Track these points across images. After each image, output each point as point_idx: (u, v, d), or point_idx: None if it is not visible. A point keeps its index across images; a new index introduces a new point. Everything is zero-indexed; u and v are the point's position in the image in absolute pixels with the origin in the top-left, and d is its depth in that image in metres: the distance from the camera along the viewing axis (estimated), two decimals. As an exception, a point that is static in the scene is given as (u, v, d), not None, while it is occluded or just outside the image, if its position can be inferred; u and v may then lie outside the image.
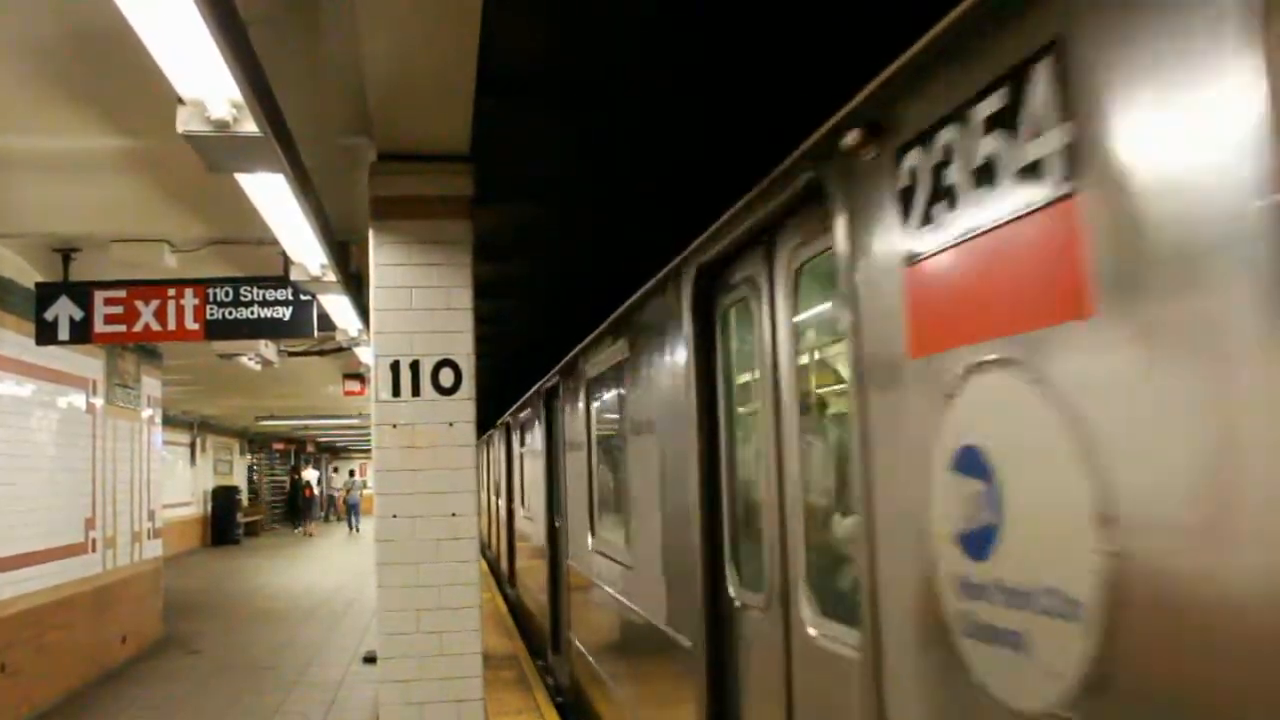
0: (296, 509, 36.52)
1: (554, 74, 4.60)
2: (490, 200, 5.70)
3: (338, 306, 8.27)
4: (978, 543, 1.84)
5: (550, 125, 5.27)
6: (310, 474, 39.95)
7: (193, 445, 26.40)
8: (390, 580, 5.16)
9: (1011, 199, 1.73)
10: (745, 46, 4.29)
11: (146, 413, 12.41)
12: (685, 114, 5.08)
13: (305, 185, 5.04)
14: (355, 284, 7.48)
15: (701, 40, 4.28)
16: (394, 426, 5.21)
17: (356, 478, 40.47)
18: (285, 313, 7.89)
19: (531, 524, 10.95)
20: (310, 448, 44.66)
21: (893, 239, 2.19)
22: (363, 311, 7.90)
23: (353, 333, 9.49)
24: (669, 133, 5.35)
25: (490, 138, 5.11)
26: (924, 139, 2.03)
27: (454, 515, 5.20)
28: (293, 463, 40.32)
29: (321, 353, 11.87)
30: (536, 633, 10.85)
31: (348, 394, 16.62)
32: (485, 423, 17.97)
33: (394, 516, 5.17)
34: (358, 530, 34.35)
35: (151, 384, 12.64)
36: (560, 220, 7.18)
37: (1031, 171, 1.66)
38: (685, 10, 4.02)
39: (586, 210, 6.93)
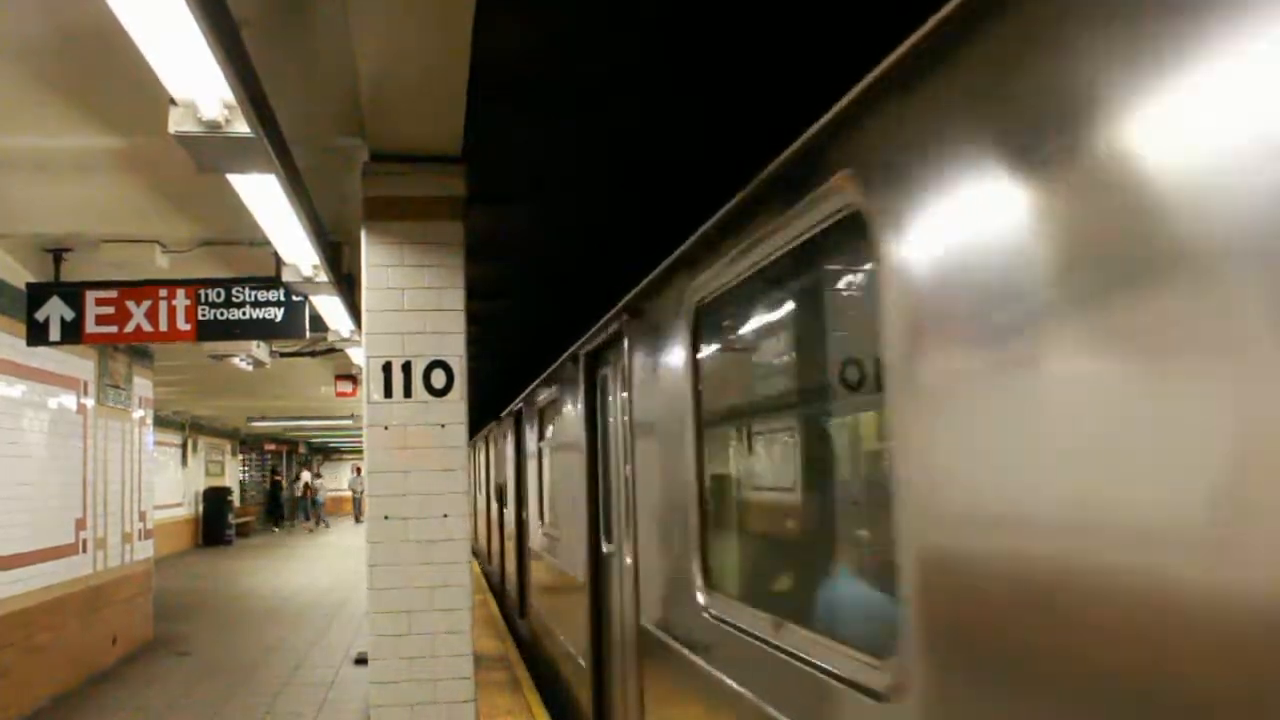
0: (279, 509, 37.89)
1: (547, 75, 4.61)
2: (484, 201, 5.71)
3: (330, 307, 8.26)
4: None
5: (544, 126, 5.28)
6: (306, 475, 40.80)
7: (184, 446, 26.31)
8: (381, 582, 5.15)
9: None
10: (744, 44, 4.30)
11: (138, 414, 12.37)
12: (682, 113, 5.10)
13: (297, 186, 5.03)
14: (347, 285, 7.48)
15: (698, 39, 4.29)
16: (385, 428, 5.21)
17: (323, 480, 41.93)
18: (277, 313, 7.87)
19: (555, 544, 7.96)
20: (302, 449, 44.67)
21: None
22: (355, 312, 7.89)
23: (345, 334, 9.47)
24: (665, 132, 5.36)
25: (483, 139, 5.11)
26: None
27: (445, 517, 5.20)
28: (270, 464, 40.47)
29: (313, 354, 11.85)
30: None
31: (340, 395, 16.60)
32: (484, 417, 17.31)
33: (385, 518, 5.17)
34: (317, 526, 37.91)
35: (143, 385, 12.60)
36: (557, 220, 7.19)
37: None
38: (682, 9, 4.02)
39: (583, 210, 6.94)
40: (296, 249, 6.55)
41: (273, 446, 39.46)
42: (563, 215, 7.06)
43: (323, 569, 22.04)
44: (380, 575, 5.15)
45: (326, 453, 50.95)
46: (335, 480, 50.72)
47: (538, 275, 8.90)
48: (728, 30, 4.18)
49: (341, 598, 16.39)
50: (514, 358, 12.69)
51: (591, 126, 5.26)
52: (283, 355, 11.84)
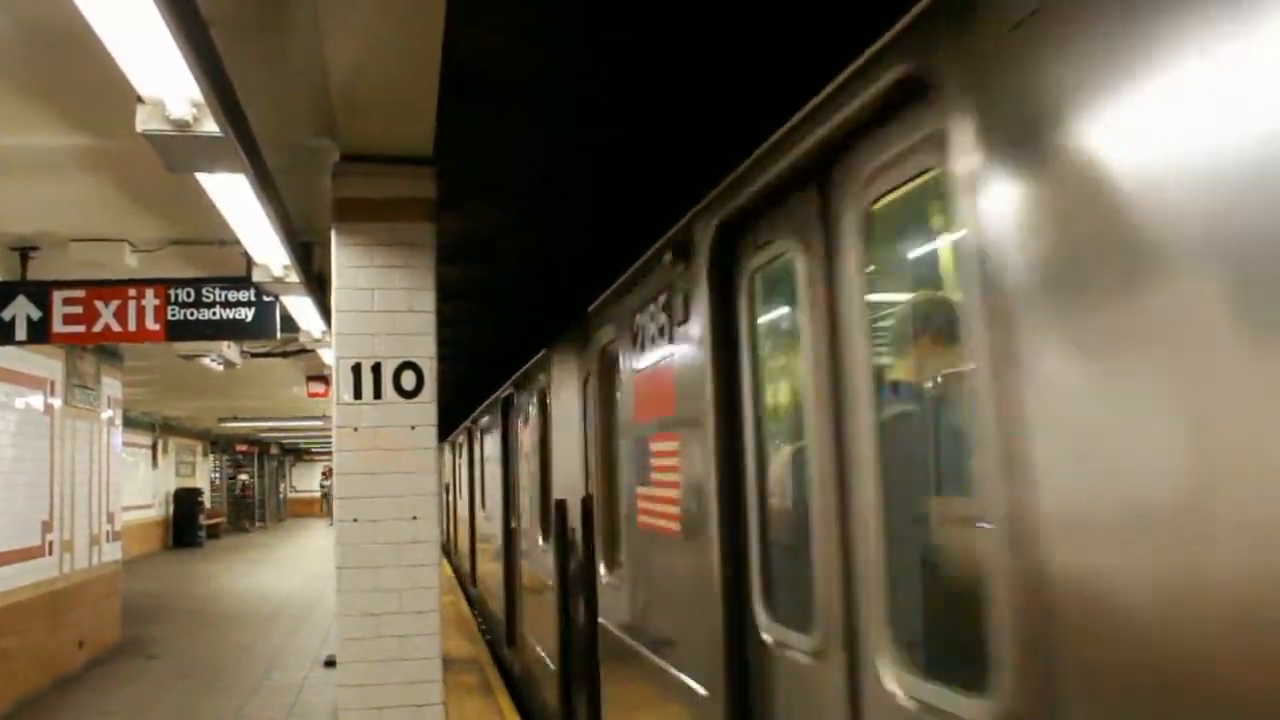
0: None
1: (517, 77, 4.60)
2: (455, 203, 5.69)
3: (301, 308, 8.21)
4: None
5: (517, 126, 5.27)
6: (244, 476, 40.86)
7: (154, 447, 26.07)
8: (350, 584, 5.12)
9: None
10: (716, 47, 4.31)
11: (106, 414, 12.25)
12: (650, 116, 5.10)
13: (267, 186, 5.00)
14: (318, 285, 7.43)
15: (668, 42, 4.30)
16: (355, 430, 5.18)
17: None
18: (248, 314, 7.81)
19: None
20: (274, 449, 44.36)
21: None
22: (326, 313, 7.85)
23: (316, 334, 9.42)
24: (639, 132, 5.36)
25: (454, 139, 5.10)
26: None
27: (415, 519, 5.18)
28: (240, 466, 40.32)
29: (284, 354, 11.77)
30: None
31: (312, 395, 16.50)
32: (484, 395, 14.59)
33: (354, 520, 5.14)
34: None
35: (111, 385, 12.48)
36: (530, 220, 7.17)
37: None
38: (654, 11, 4.03)
39: (557, 209, 6.92)
40: (267, 249, 6.51)
41: (244, 447, 39.19)
42: (537, 215, 7.04)
43: (293, 570, 21.91)
44: (349, 578, 5.12)
45: (298, 454, 50.65)
46: (306, 482, 50.82)
47: (518, 275, 8.87)
48: (707, 28, 4.18)
49: (312, 599, 16.29)
50: (499, 360, 12.64)
51: (564, 126, 5.25)
52: (254, 355, 11.75)
